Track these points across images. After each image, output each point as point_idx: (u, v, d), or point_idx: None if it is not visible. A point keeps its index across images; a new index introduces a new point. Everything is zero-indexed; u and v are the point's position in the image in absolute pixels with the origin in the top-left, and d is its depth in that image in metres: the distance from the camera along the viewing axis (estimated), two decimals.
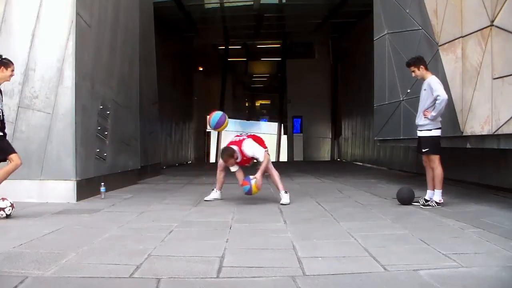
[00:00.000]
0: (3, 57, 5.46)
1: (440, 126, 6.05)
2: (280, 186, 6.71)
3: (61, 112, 6.82)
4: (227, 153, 6.75)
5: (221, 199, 7.04)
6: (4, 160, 5.45)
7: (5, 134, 5.49)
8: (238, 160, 6.76)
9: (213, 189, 7.12)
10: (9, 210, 5.36)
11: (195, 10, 18.37)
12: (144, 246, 4.02)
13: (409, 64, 6.28)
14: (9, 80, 5.59)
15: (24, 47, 6.77)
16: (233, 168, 6.86)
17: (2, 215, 5.32)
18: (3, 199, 5.37)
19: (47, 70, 6.86)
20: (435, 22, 7.09)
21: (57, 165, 6.80)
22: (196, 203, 6.83)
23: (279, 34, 24.09)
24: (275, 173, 6.74)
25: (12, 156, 5.37)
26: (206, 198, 7.04)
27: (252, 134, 7.15)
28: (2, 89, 5.52)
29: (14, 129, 6.66)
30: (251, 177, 6.50)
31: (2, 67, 5.37)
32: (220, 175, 7.04)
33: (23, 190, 6.51)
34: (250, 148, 6.69)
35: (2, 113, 5.45)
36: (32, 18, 6.86)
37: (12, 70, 5.47)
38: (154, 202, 6.96)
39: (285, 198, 6.61)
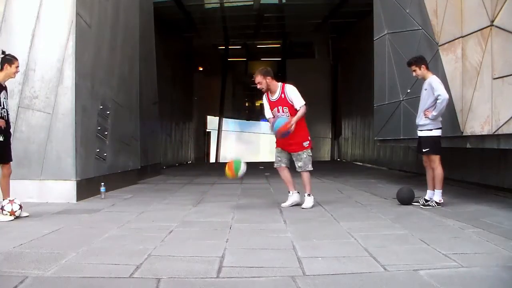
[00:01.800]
0: (7, 53, 5.46)
1: (440, 126, 6.05)
2: (308, 187, 6.19)
3: (61, 112, 6.82)
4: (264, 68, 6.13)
5: (299, 203, 6.25)
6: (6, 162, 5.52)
7: (9, 134, 5.53)
8: (273, 95, 6.08)
9: (289, 193, 6.32)
10: (7, 214, 5.34)
11: (195, 10, 18.39)
12: (144, 246, 4.02)
13: (410, 64, 6.28)
14: (14, 77, 5.63)
15: (24, 47, 6.77)
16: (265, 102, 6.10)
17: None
18: (11, 201, 5.39)
19: (47, 70, 6.86)
20: (435, 22, 7.09)
21: (57, 165, 6.80)
22: (196, 203, 6.83)
23: (279, 34, 24.09)
24: (306, 174, 6.17)
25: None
26: (283, 205, 6.24)
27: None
28: (7, 87, 5.55)
29: (14, 129, 6.65)
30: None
31: (6, 64, 5.39)
32: (286, 175, 6.28)
33: (23, 190, 6.49)
34: (293, 91, 6.02)
35: (7, 112, 5.48)
36: (32, 18, 6.86)
37: (17, 67, 5.50)
38: (154, 202, 6.96)
39: (308, 201, 6.14)
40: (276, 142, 6.30)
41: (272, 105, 6.13)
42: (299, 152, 6.15)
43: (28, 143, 6.73)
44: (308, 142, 6.18)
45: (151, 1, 12.75)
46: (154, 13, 12.78)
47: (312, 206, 6.16)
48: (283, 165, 6.27)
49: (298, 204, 6.22)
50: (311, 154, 6.23)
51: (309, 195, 6.20)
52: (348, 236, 4.39)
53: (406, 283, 3.05)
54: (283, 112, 6.06)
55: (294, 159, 6.21)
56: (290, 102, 6.05)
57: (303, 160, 6.14)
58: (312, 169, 6.22)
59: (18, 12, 6.94)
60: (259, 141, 30.92)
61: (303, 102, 6.05)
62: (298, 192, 6.30)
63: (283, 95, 6.07)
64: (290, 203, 6.24)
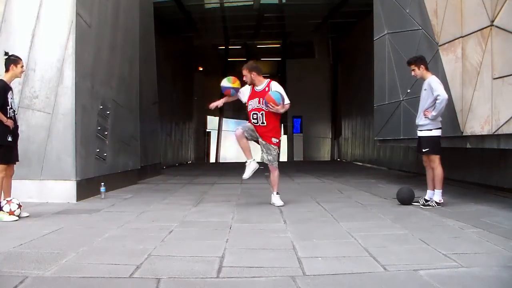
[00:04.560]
0: (10, 54, 5.55)
1: (440, 126, 6.05)
2: (276, 187, 6.49)
3: (61, 112, 6.83)
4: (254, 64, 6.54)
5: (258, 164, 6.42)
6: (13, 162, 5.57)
7: (17, 135, 5.56)
8: (258, 87, 6.40)
9: (245, 162, 6.41)
10: (5, 214, 5.36)
11: (195, 10, 18.38)
12: (144, 246, 4.02)
13: (410, 63, 6.28)
14: (20, 77, 5.75)
15: (24, 47, 6.77)
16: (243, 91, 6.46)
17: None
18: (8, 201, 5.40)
19: (47, 70, 6.86)
20: (435, 22, 7.09)
21: (57, 165, 6.81)
22: (196, 203, 6.83)
23: (279, 34, 24.09)
24: (277, 173, 6.44)
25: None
26: (245, 176, 6.38)
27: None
28: (12, 88, 5.62)
29: None
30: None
31: (12, 64, 5.48)
32: (243, 143, 6.32)
33: (23, 190, 6.49)
34: (279, 87, 6.40)
35: (15, 113, 5.55)
36: (32, 18, 6.87)
37: (22, 66, 5.60)
38: (154, 202, 6.96)
39: (275, 199, 6.43)
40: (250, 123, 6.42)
41: (255, 95, 6.40)
42: (269, 145, 6.37)
43: (28, 143, 6.72)
44: (278, 140, 6.46)
45: (151, 1, 12.74)
46: (154, 13, 12.77)
47: (282, 205, 6.34)
48: (247, 135, 6.35)
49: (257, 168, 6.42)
50: (279, 152, 6.55)
51: (277, 193, 6.47)
52: (348, 236, 4.39)
53: (406, 283, 3.05)
54: (261, 103, 6.33)
55: (263, 150, 6.41)
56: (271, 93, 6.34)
57: (273, 155, 6.40)
58: (276, 165, 6.42)
59: (18, 12, 6.94)
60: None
61: (289, 101, 6.38)
62: (254, 160, 6.40)
63: (267, 89, 6.38)
64: (252, 170, 6.35)
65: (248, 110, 6.45)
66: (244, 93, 6.54)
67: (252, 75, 6.42)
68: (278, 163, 6.48)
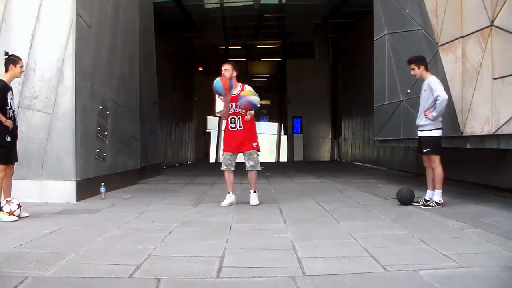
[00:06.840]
0: (10, 54, 5.53)
1: (440, 126, 6.05)
2: (254, 185, 6.60)
3: (61, 112, 6.83)
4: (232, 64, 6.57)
5: (236, 203, 6.60)
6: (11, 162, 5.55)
7: (16, 135, 5.55)
8: (233, 91, 6.40)
9: (228, 193, 6.61)
10: (5, 214, 5.35)
11: (195, 10, 18.38)
12: (144, 246, 4.02)
13: (410, 62, 6.29)
14: (20, 77, 5.74)
15: (24, 47, 6.77)
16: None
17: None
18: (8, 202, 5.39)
19: (47, 70, 6.86)
20: (435, 22, 7.09)
21: (57, 165, 6.81)
22: (196, 203, 6.83)
23: (279, 34, 24.08)
24: (254, 172, 6.54)
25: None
26: (222, 204, 6.49)
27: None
28: (12, 88, 5.60)
29: None
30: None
31: (11, 64, 5.46)
32: (231, 178, 6.59)
33: (23, 190, 6.48)
34: (251, 89, 6.47)
35: (14, 113, 5.53)
36: (32, 18, 6.87)
37: (21, 66, 5.58)
38: (154, 202, 6.96)
39: (254, 198, 6.56)
40: (226, 147, 6.61)
41: (231, 100, 6.45)
42: (251, 151, 6.51)
43: (28, 143, 6.73)
44: (257, 143, 6.57)
45: (151, 1, 12.75)
46: (154, 13, 12.77)
47: (258, 204, 6.51)
48: (232, 168, 6.60)
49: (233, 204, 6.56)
50: (259, 155, 6.66)
51: (254, 191, 6.60)
52: (348, 236, 4.39)
53: (406, 283, 3.05)
54: (237, 107, 6.41)
55: (245, 158, 6.55)
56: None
57: (254, 160, 6.52)
58: (260, 169, 6.64)
59: (18, 12, 6.94)
60: (259, 141, 30.86)
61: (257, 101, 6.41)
62: (234, 194, 6.66)
63: (241, 92, 6.44)
64: (229, 202, 6.52)
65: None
66: (219, 101, 6.55)
67: (233, 74, 6.48)
68: (260, 166, 6.60)
